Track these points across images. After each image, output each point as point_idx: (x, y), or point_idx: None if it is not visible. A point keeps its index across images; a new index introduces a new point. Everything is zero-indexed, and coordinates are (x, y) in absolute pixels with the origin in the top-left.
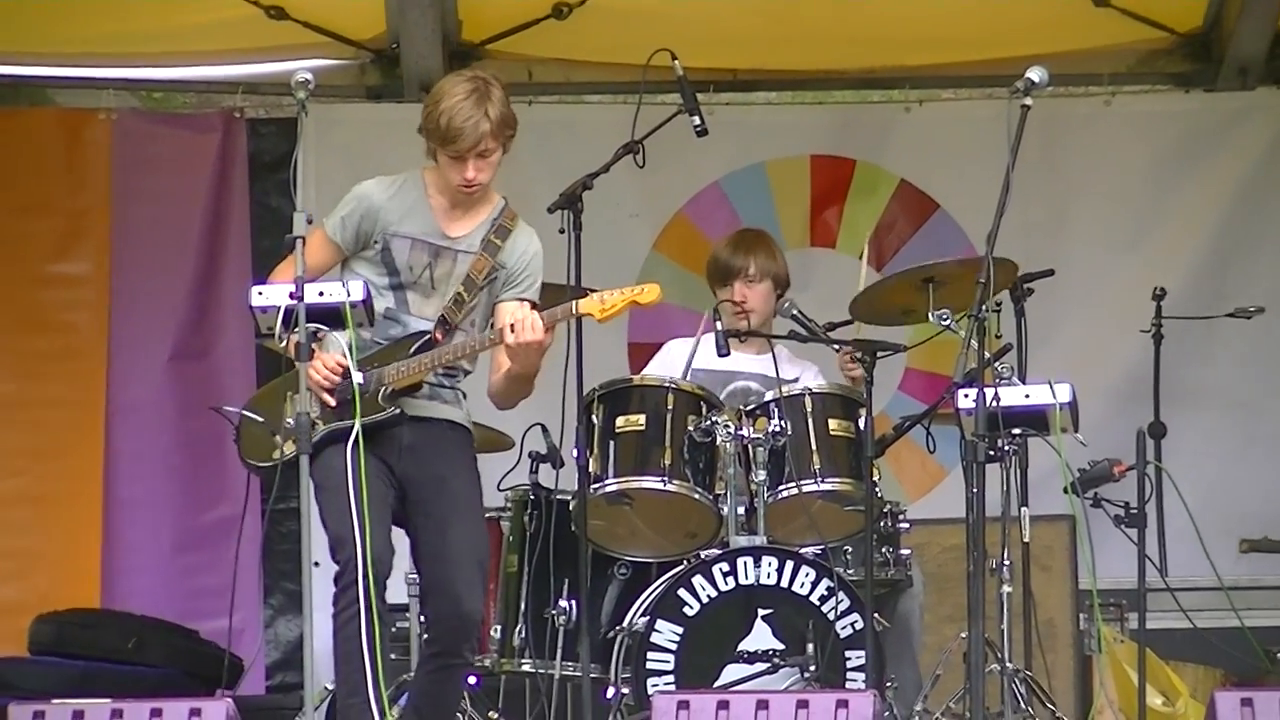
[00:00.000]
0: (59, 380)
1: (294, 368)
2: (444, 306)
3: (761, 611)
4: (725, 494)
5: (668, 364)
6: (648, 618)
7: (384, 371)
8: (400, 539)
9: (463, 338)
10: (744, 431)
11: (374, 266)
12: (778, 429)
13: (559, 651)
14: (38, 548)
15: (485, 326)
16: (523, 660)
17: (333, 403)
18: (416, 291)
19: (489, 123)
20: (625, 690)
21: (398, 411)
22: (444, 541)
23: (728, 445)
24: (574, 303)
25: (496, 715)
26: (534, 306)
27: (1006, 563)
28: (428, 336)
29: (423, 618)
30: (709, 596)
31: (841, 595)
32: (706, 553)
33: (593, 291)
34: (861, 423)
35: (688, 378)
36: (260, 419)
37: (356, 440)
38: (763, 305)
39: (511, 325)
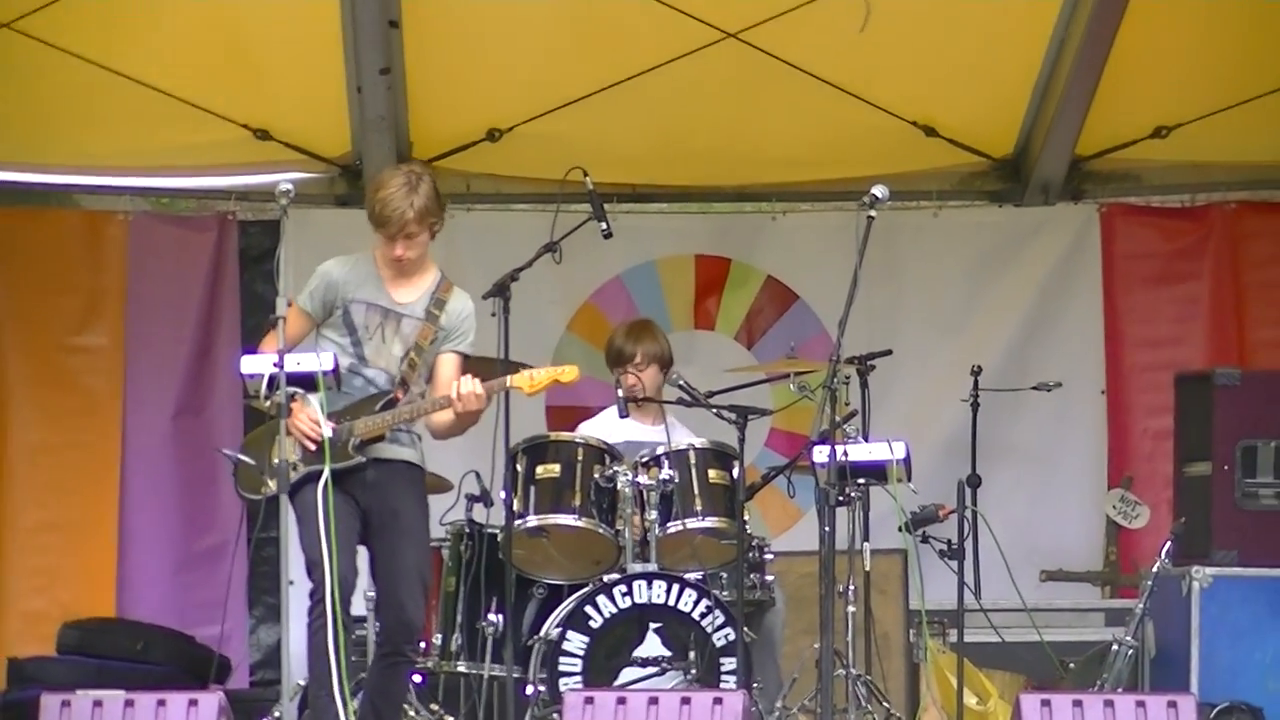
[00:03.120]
0: (80, 431)
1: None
2: (400, 369)
3: (653, 625)
4: (624, 529)
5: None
6: (560, 629)
7: (354, 425)
8: (363, 555)
9: (418, 394)
10: (640, 478)
11: (338, 329)
12: (667, 476)
13: (488, 656)
14: (63, 566)
15: (431, 376)
16: (458, 663)
17: (313, 448)
18: (371, 347)
19: (413, 212)
20: (542, 688)
21: (364, 460)
22: (395, 562)
23: (626, 489)
24: (507, 377)
25: (437, 707)
26: (466, 358)
27: (852, 587)
28: (390, 395)
29: (375, 624)
30: (610, 612)
31: (718, 612)
32: (608, 577)
33: (522, 367)
34: (735, 472)
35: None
36: (252, 461)
37: (327, 483)
38: (651, 384)
39: (459, 394)
